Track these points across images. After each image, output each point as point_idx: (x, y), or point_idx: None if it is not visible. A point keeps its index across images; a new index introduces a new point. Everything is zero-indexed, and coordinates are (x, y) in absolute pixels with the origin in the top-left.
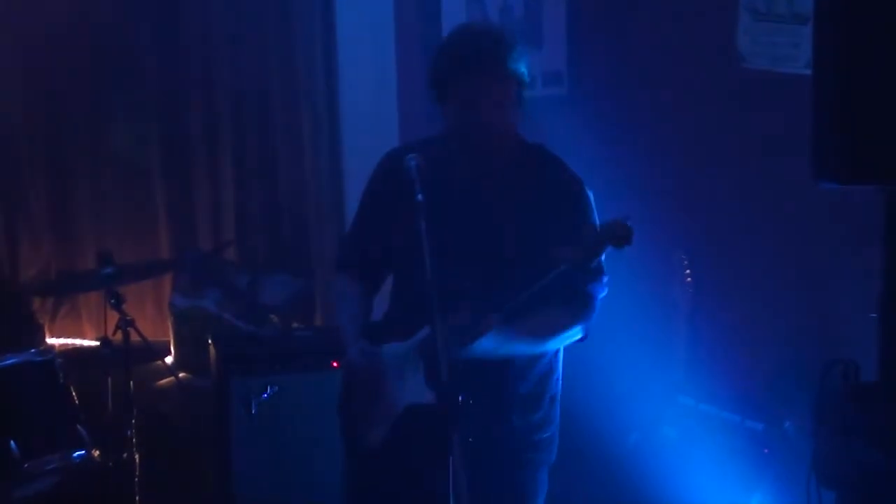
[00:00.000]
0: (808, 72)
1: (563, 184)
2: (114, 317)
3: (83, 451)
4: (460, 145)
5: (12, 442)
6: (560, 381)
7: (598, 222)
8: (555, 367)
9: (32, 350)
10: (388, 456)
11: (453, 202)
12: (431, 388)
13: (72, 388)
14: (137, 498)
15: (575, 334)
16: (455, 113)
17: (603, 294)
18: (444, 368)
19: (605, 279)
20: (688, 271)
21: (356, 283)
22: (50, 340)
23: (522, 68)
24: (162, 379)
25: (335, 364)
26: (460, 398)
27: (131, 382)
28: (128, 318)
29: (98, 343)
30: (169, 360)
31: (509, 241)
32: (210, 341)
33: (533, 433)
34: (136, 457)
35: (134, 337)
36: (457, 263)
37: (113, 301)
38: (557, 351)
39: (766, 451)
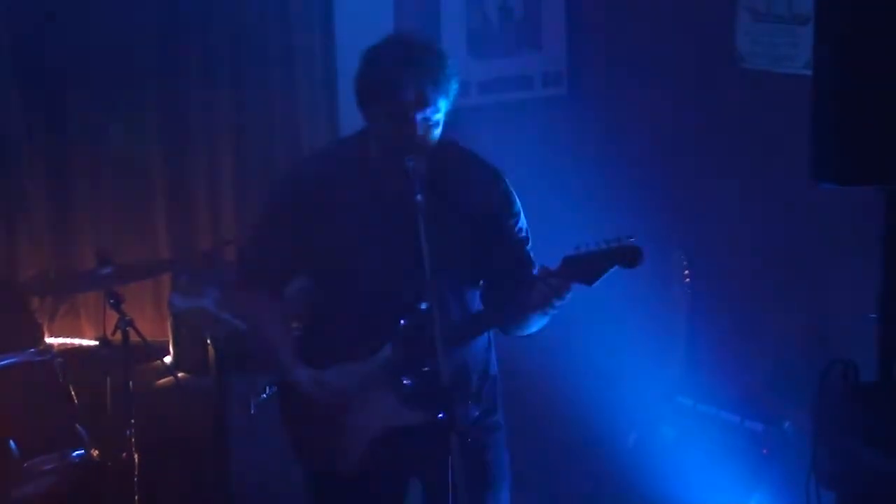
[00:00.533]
0: (808, 72)
1: (482, 179)
2: (113, 317)
3: (82, 451)
4: (382, 153)
5: (12, 441)
6: (496, 362)
7: (520, 211)
8: (490, 352)
9: (32, 350)
10: (366, 481)
11: (373, 209)
12: (410, 407)
13: (71, 388)
14: (136, 497)
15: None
16: (378, 121)
17: None
18: (445, 373)
19: None
20: (687, 271)
21: (266, 294)
22: (49, 340)
23: (449, 84)
24: (161, 379)
25: None
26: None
27: (130, 382)
28: (127, 317)
29: (97, 343)
30: (168, 359)
31: (438, 245)
32: (209, 341)
33: (489, 416)
34: (136, 456)
35: (133, 337)
36: (390, 273)
37: (112, 301)
38: (491, 338)
39: (765, 451)
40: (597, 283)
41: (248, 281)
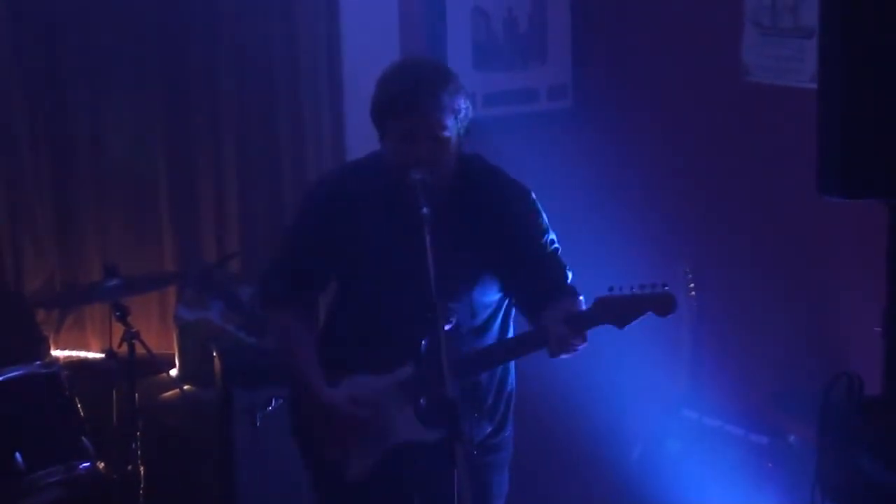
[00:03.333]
0: (813, 85)
1: (507, 195)
2: (119, 329)
3: (88, 463)
4: (394, 171)
5: (17, 454)
6: (514, 377)
7: (548, 225)
8: (509, 367)
9: (37, 362)
10: (372, 491)
11: (392, 227)
12: (422, 426)
13: (77, 400)
14: None
15: None
16: (391, 147)
17: None
18: (450, 384)
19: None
20: (692, 284)
21: (300, 315)
22: (55, 352)
23: (457, 103)
24: (167, 391)
25: None
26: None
27: (136, 394)
28: (133, 330)
29: (103, 355)
30: (174, 372)
31: (466, 269)
32: (215, 353)
33: (498, 433)
34: (141, 469)
35: (139, 349)
36: (409, 289)
37: (118, 313)
38: None
39: (770, 464)
40: (627, 328)
41: (282, 298)
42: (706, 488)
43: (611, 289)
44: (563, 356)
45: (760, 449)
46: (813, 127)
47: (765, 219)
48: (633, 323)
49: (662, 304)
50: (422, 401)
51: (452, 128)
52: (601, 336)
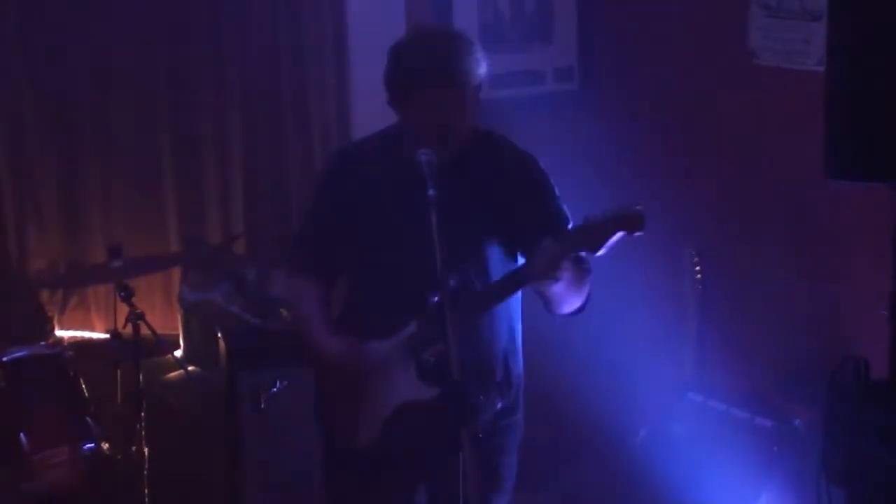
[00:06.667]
0: (820, 68)
1: (517, 161)
2: (123, 310)
3: (92, 444)
4: (415, 142)
5: (22, 434)
6: (522, 361)
7: (557, 194)
8: (517, 346)
9: (42, 343)
10: (380, 457)
11: (407, 197)
12: (426, 383)
13: (81, 381)
14: (146, 491)
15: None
16: (416, 117)
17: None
18: (456, 366)
19: None
20: (698, 268)
21: (315, 285)
22: (59, 333)
23: (480, 70)
24: (171, 372)
25: None
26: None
27: (140, 375)
28: (137, 311)
29: (108, 336)
30: (178, 353)
31: (477, 231)
32: (219, 335)
33: (509, 415)
34: (145, 450)
35: (143, 330)
36: (421, 257)
37: (123, 294)
38: (516, 329)
39: (775, 448)
40: (602, 251)
41: (301, 268)
42: (711, 471)
43: (585, 217)
44: (547, 285)
45: (766, 432)
46: (820, 110)
47: (771, 203)
48: (607, 245)
49: (631, 222)
50: (428, 357)
51: (474, 96)
52: (608, 319)
